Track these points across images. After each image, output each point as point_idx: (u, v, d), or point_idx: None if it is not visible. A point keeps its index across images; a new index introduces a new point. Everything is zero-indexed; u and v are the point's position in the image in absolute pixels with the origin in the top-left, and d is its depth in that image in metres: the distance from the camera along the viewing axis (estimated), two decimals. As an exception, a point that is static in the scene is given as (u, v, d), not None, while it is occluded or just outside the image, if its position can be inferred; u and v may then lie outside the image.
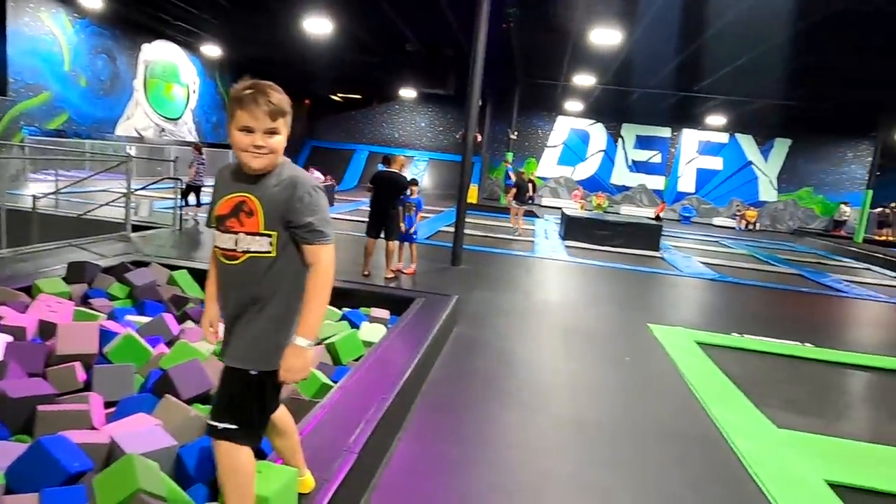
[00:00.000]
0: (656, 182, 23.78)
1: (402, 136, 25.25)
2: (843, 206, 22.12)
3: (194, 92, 20.08)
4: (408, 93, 22.40)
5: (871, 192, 19.06)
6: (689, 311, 7.30)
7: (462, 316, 5.34)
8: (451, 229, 8.27)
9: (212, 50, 18.83)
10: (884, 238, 20.43)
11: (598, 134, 23.95)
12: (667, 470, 3.01)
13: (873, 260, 13.99)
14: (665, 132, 23.58)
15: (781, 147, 23.01)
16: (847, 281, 10.53)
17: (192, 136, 19.48)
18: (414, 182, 7.28)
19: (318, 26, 13.23)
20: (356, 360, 3.62)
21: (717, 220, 22.81)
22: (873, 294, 9.48)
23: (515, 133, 20.98)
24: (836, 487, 2.87)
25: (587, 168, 24.07)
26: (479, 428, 3.27)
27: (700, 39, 12.33)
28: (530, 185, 18.65)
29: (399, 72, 19.65)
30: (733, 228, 21.66)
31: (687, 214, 23.17)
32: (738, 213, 22.41)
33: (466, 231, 8.64)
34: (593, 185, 23.68)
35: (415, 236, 7.25)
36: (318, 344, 3.64)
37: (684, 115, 21.86)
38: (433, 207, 15.62)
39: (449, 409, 3.45)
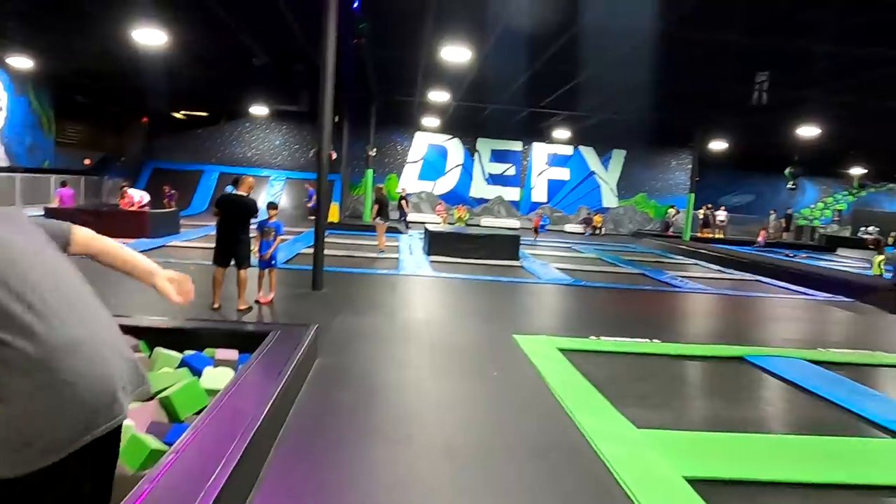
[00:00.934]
0: (512, 194, 24.93)
1: (256, 155, 24.01)
2: (670, 209, 24.76)
3: (1, 109, 17.45)
4: (259, 110, 21.36)
5: (692, 195, 21.54)
6: (550, 317, 7.56)
7: (324, 345, 5.01)
8: (312, 251, 7.87)
9: (21, 62, 16.49)
10: (707, 236, 23.18)
11: (455, 149, 24.61)
12: (539, 487, 2.95)
13: (700, 256, 15.75)
14: (517, 146, 24.84)
15: (618, 157, 25.27)
16: (681, 276, 11.68)
17: (3, 161, 16.88)
18: (272, 206, 6.84)
19: (149, 37, 12.08)
20: (198, 413, 3.17)
21: (569, 227, 24.38)
22: (702, 287, 10.58)
23: (374, 150, 20.86)
24: (693, 483, 2.99)
25: (447, 182, 24.60)
26: (343, 471, 2.99)
27: (541, 59, 13.09)
28: (403, 202, 18.69)
29: (248, 88, 18.66)
30: (583, 234, 23.28)
31: (542, 223, 24.52)
32: (585, 220, 24.05)
33: (329, 252, 8.28)
34: (454, 198, 24.24)
35: (274, 262, 6.78)
36: (149, 399, 3.12)
37: (534, 129, 23.20)
38: (293, 228, 14.94)
39: (310, 455, 3.13)
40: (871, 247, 15.57)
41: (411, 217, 19.23)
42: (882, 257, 12.51)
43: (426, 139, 24.42)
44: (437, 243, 12.12)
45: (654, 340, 6.07)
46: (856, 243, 22.48)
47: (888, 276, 11.39)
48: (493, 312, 7.33)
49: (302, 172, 23.53)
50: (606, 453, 3.28)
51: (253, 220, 6.42)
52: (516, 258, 12.09)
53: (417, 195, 24.26)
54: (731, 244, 20.32)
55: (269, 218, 6.64)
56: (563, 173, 25.15)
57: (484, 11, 10.16)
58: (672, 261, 15.34)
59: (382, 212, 12.34)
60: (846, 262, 18.14)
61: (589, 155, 25.18)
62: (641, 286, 10.24)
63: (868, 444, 3.78)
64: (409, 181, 24.26)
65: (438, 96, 17.65)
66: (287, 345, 4.21)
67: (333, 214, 19.47)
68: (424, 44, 12.56)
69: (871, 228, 25.91)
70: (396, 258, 11.49)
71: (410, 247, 13.47)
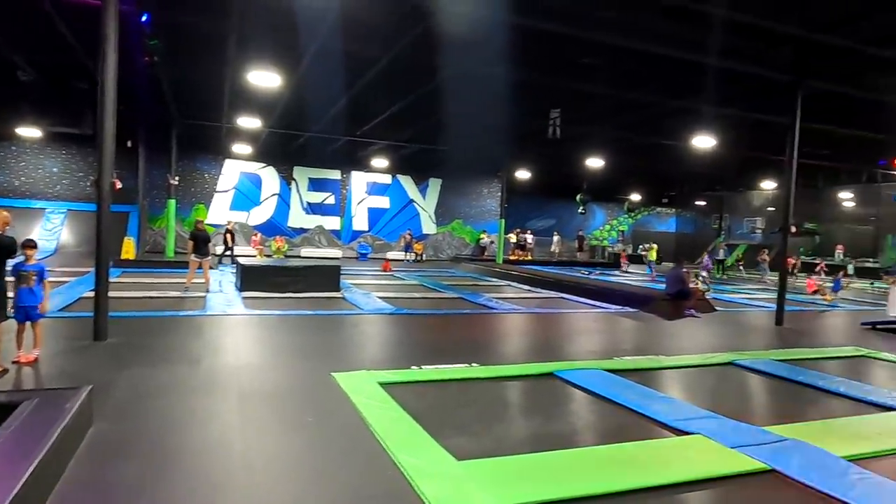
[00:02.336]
0: (333, 222, 24.52)
1: (26, 183, 20.47)
2: (483, 234, 26.29)
3: None
4: (30, 132, 18.31)
5: (503, 220, 23.15)
6: (372, 350, 7.35)
7: (104, 409, 4.21)
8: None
9: None
10: (517, 258, 24.99)
11: (270, 177, 23.55)
12: (358, 548, 2.69)
13: (511, 277, 16.83)
14: (336, 174, 24.56)
15: (435, 186, 26.28)
16: (496, 298, 12.29)
17: None
18: (29, 244, 5.67)
19: None
20: None
21: (391, 255, 24.60)
22: (514, 307, 11.22)
23: (177, 178, 19.05)
24: (512, 513, 2.96)
25: (263, 212, 23.40)
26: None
27: (356, 88, 13.09)
28: (228, 236, 17.18)
29: (13, 106, 15.90)
30: (405, 260, 23.64)
31: (364, 251, 24.43)
32: (406, 242, 24.13)
33: (121, 294, 7.19)
34: (271, 229, 23.10)
35: (36, 312, 5.65)
36: None
37: (352, 158, 23.16)
38: (76, 269, 12.86)
39: (70, 557, 2.50)
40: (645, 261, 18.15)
41: (221, 250, 17.80)
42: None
43: (237, 167, 23.03)
44: (250, 278, 11.29)
45: (473, 364, 6.18)
46: (635, 259, 25.94)
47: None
48: (312, 350, 6.91)
49: (87, 203, 20.60)
50: (428, 494, 3.13)
51: (9, 262, 5.29)
52: (337, 289, 11.73)
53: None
54: (538, 264, 22.15)
55: (27, 259, 5.51)
56: (382, 201, 25.42)
57: (292, 37, 9.84)
58: (487, 283, 16.16)
59: (199, 247, 11.25)
60: (630, 275, 20.76)
61: (407, 183, 25.82)
62: (461, 310, 10.54)
63: (660, 444, 4.14)
64: (219, 211, 22.58)
65: (248, 122, 16.76)
66: (46, 415, 3.43)
67: (129, 250, 17.27)
68: (229, 66, 11.81)
69: (646, 245, 30.19)
70: (203, 297, 10.44)
71: (220, 283, 12.37)
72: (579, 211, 28.18)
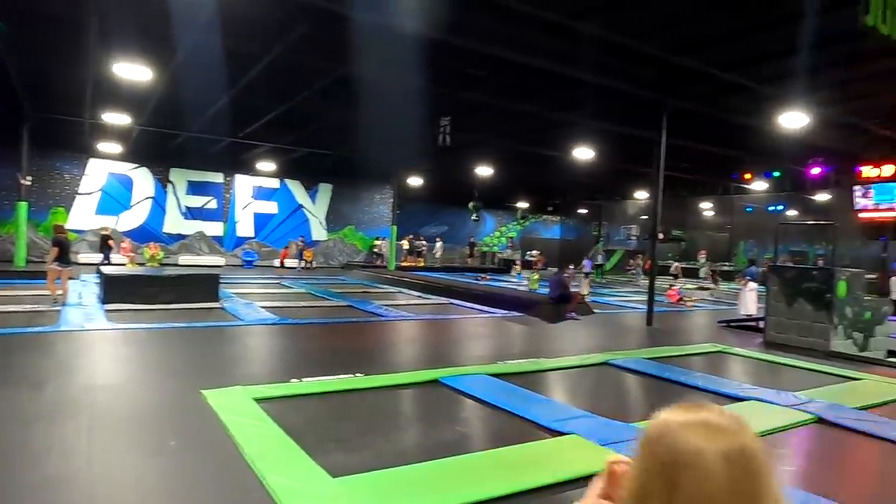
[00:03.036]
0: (215, 228, 23.12)
1: None
2: (376, 240, 26.02)
3: None
4: None
5: (395, 227, 23.06)
6: (249, 364, 6.94)
7: (-90, 446, 3.57)
8: None
9: None
10: (409, 264, 25.01)
11: (143, 179, 21.76)
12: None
13: (403, 284, 16.77)
14: (218, 177, 23.20)
15: (325, 191, 25.64)
16: (386, 305, 12.15)
17: None
18: None
19: None
20: None
21: (278, 262, 23.61)
22: (404, 314, 11.15)
23: (29, 178, 17.04)
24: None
25: (134, 217, 21.55)
26: None
27: (238, 87, 12.41)
28: (110, 241, 15.47)
29: None
30: (294, 268, 22.80)
31: (249, 259, 23.27)
32: (299, 249, 23.20)
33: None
34: (144, 235, 21.31)
35: None
36: None
37: (236, 160, 21.98)
38: None
39: None
40: (535, 266, 18.90)
41: (86, 259, 16.15)
42: (537, 276, 15.25)
43: (105, 167, 21.05)
44: (114, 289, 10.27)
45: (358, 374, 6.00)
46: (525, 265, 26.90)
47: (542, 290, 13.77)
48: (180, 366, 6.38)
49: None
50: (299, 517, 2.94)
51: None
52: (216, 300, 11.01)
53: (94, 232, 20.64)
54: (431, 271, 22.29)
55: None
56: (270, 206, 24.38)
57: (164, 28, 9.13)
58: (379, 290, 15.97)
59: (62, 255, 10.05)
60: (517, 280, 21.47)
61: (296, 188, 24.97)
62: (348, 318, 10.30)
63: (538, 446, 4.23)
64: (82, 216, 20.51)
65: (116, 118, 15.36)
66: None
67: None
68: (90, 57, 10.74)
69: (534, 252, 31.44)
70: (59, 310, 9.35)
71: (80, 295, 11.17)
72: (472, 218, 28.78)
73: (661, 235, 11.75)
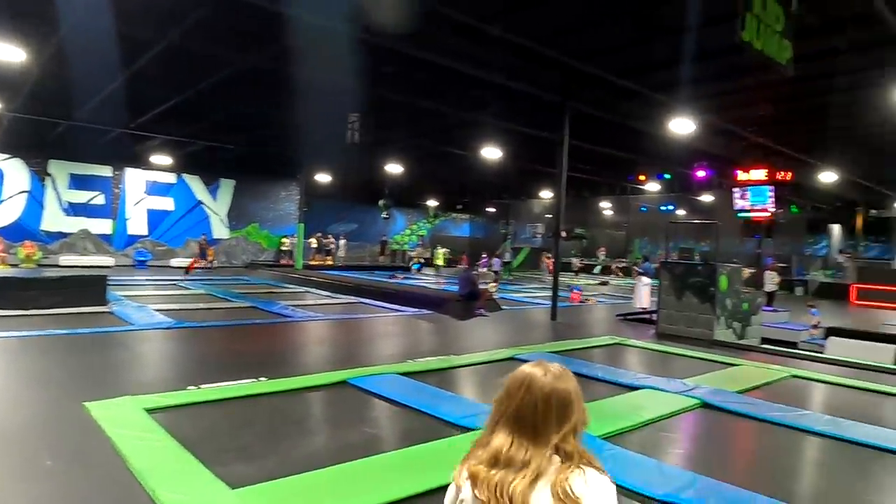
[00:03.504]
0: (102, 226, 21.36)
1: None
2: (284, 238, 25.17)
3: None
4: None
5: (302, 225, 22.38)
6: (141, 372, 6.46)
7: None
8: None
9: None
10: (318, 262, 24.42)
11: (16, 171, 19.68)
12: None
13: (311, 283, 16.34)
14: (106, 171, 21.44)
15: (227, 187, 24.44)
16: (293, 306, 11.78)
17: None
18: None
19: None
20: None
21: (175, 262, 22.24)
22: (312, 314, 10.87)
23: None
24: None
25: (6, 213, 19.46)
26: None
27: (127, 73, 11.52)
28: None
29: None
30: (197, 268, 21.53)
31: (142, 258, 21.72)
32: (202, 248, 21.89)
33: None
34: (18, 233, 19.29)
35: None
36: None
37: (127, 153, 20.38)
38: None
39: None
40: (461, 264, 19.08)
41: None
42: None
43: (-30, 158, 18.85)
44: (-19, 293, 9.21)
45: (261, 379, 5.76)
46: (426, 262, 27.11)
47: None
48: (60, 377, 5.82)
49: None
50: (193, 534, 2.76)
51: None
52: (103, 303, 10.17)
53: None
54: (342, 269, 21.89)
55: None
56: (166, 203, 22.88)
57: (39, 3, 8.29)
58: (285, 290, 15.46)
59: None
60: (427, 278, 21.59)
61: (195, 183, 23.61)
62: (252, 320, 9.87)
63: (447, 443, 4.24)
64: (-57, 212, 18.26)
65: (-17, 103, 13.79)
66: None
67: None
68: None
69: (444, 250, 31.74)
70: (-90, 319, 8.25)
71: (-61, 300, 9.90)
72: (382, 216, 28.57)
73: (563, 234, 12.23)
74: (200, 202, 23.78)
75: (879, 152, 16.49)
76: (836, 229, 28.54)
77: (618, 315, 12.42)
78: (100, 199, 21.32)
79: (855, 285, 19.55)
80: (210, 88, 12.22)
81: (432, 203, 33.06)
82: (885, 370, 7.71)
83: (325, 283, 16.01)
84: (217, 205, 24.24)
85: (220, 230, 24.25)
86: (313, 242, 25.54)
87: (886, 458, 4.43)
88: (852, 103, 12.32)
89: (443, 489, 3.38)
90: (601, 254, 29.60)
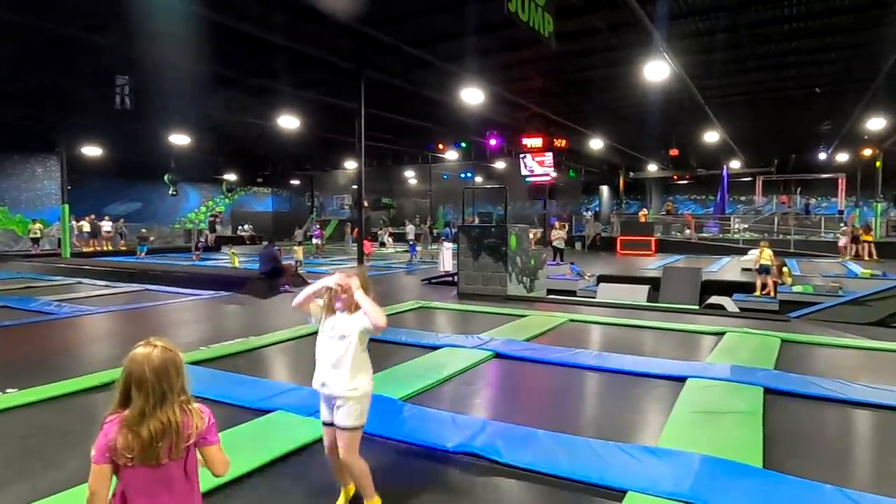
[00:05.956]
0: None
1: None
2: (33, 223, 21.09)
3: None
4: None
5: (66, 206, 19.17)
6: None
7: None
8: None
9: None
10: (91, 250, 21.31)
11: None
12: None
13: (83, 273, 14.18)
14: None
15: (-40, 164, 19.99)
16: (59, 301, 10.11)
17: None
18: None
19: None
20: None
21: None
22: (86, 308, 9.44)
23: None
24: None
25: None
26: None
27: None
28: None
29: None
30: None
31: None
32: None
33: None
34: None
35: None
36: None
37: None
38: None
39: None
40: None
41: None
42: (234, 250, 15.12)
43: None
44: None
45: (10, 391, 4.82)
46: (236, 240, 25.46)
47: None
48: None
49: None
50: None
51: None
52: None
53: None
54: (125, 255, 19.37)
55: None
56: None
57: None
58: (49, 283, 13.20)
59: None
60: (224, 260, 20.18)
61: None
62: (1, 322, 8.25)
63: (244, 429, 3.96)
64: None
65: None
66: None
67: None
68: None
69: (246, 226, 29.89)
70: None
71: None
72: (170, 192, 25.77)
73: (366, 203, 12.23)
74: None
75: (631, 122, 19.24)
76: (605, 190, 32.93)
77: (423, 280, 12.86)
78: None
79: (619, 237, 22.76)
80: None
81: (230, 177, 30.69)
82: (641, 307, 9.11)
83: (101, 271, 14.02)
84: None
85: (-48, 217, 19.84)
86: (85, 226, 22.18)
87: (644, 381, 5.20)
88: (608, 78, 14.11)
89: (242, 478, 3.15)
90: (413, 225, 30.32)
